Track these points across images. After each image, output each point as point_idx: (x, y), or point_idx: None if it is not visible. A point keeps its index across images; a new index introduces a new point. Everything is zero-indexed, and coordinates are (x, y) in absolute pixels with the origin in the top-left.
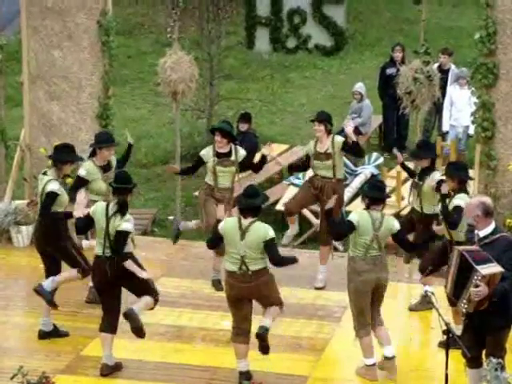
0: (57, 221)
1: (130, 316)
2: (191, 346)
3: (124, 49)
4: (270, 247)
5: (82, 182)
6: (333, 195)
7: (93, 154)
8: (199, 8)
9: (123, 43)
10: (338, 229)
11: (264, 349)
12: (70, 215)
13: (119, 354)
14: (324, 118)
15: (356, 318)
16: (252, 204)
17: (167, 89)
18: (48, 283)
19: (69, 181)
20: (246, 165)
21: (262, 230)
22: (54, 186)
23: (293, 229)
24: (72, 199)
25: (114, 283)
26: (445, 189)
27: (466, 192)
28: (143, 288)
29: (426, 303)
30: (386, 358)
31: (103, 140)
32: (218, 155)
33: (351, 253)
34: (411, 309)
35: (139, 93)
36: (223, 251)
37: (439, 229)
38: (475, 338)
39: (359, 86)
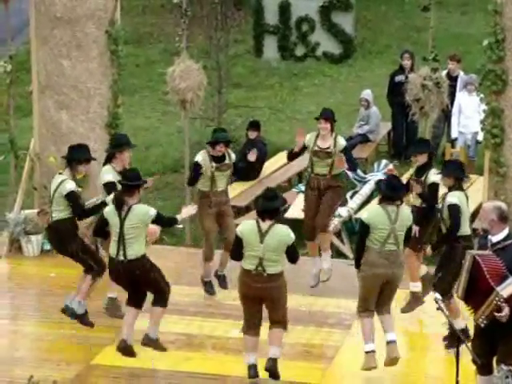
0: (64, 225)
1: (149, 344)
2: (201, 354)
3: (133, 58)
4: (292, 250)
5: (113, 186)
6: (328, 188)
7: (108, 160)
8: (207, 17)
9: (132, 52)
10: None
11: (275, 377)
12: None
13: (129, 361)
14: (330, 116)
15: (360, 300)
16: (271, 206)
17: (176, 97)
18: (79, 307)
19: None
20: (237, 168)
21: (285, 233)
22: (71, 186)
23: (316, 264)
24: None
25: (132, 282)
26: (417, 189)
27: (462, 189)
28: (155, 287)
29: (417, 303)
30: (388, 342)
31: (125, 142)
32: (214, 160)
33: (368, 243)
34: (403, 311)
35: (148, 102)
36: (210, 257)
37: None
38: (486, 345)
39: (366, 93)
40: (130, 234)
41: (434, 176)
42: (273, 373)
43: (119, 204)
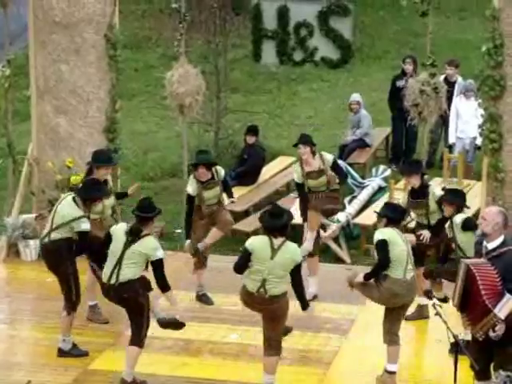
0: (62, 243)
1: None
2: (199, 360)
3: (131, 62)
4: (298, 270)
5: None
6: (326, 198)
7: (89, 173)
8: (206, 21)
9: (130, 57)
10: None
11: None
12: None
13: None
14: (307, 140)
15: (387, 333)
16: (277, 224)
17: (174, 102)
18: (65, 344)
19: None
20: (227, 186)
21: (295, 252)
22: (87, 226)
23: (313, 284)
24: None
25: (121, 305)
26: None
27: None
28: (137, 321)
29: (422, 313)
30: (388, 372)
31: (101, 160)
32: (202, 183)
33: (390, 273)
34: (407, 318)
35: (146, 106)
36: (202, 264)
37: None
38: (484, 350)
39: (356, 96)
40: (129, 260)
41: (438, 191)
42: None
43: (135, 233)
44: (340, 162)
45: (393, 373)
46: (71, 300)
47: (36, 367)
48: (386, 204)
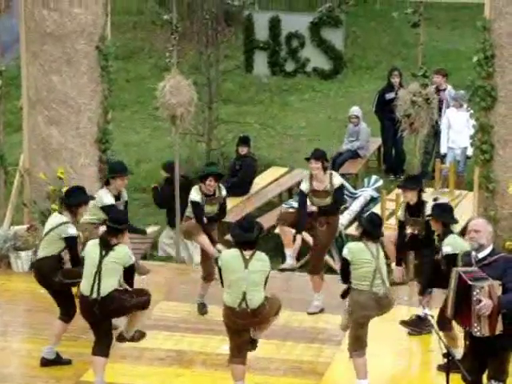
0: (49, 262)
1: None
2: (191, 371)
3: (123, 73)
4: (266, 280)
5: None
6: (325, 224)
7: (106, 184)
8: (198, 33)
9: (122, 68)
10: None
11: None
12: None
13: (120, 379)
14: (320, 155)
15: (352, 342)
16: (248, 238)
17: (166, 113)
18: (49, 354)
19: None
20: (223, 207)
21: (266, 261)
22: (74, 231)
23: (317, 298)
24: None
25: (104, 320)
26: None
27: (452, 233)
28: (106, 332)
29: (423, 326)
30: None
31: (117, 170)
32: (206, 195)
33: (354, 286)
34: (410, 333)
35: (138, 117)
36: (211, 277)
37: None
38: (476, 361)
39: (356, 110)
40: (107, 270)
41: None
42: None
43: (104, 244)
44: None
45: None
46: (68, 314)
47: (27, 379)
48: (370, 215)
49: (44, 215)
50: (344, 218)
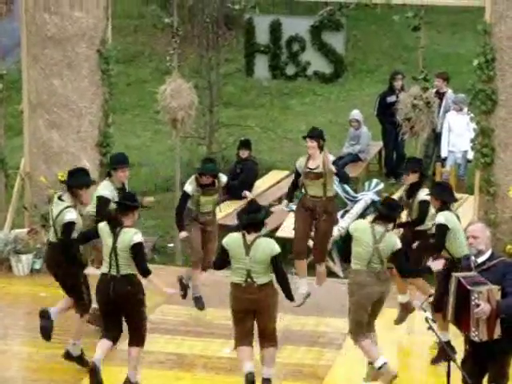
0: (69, 247)
1: None
2: (192, 374)
3: (124, 77)
4: (276, 262)
5: (106, 202)
6: (324, 214)
7: (108, 176)
8: (199, 36)
9: (123, 71)
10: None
11: None
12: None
13: (120, 382)
14: (317, 135)
15: (353, 328)
16: (254, 219)
17: (167, 116)
18: (74, 348)
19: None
20: (228, 188)
21: (268, 246)
22: (72, 216)
23: (303, 284)
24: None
25: (116, 306)
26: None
27: (449, 210)
28: (137, 323)
29: (407, 313)
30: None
31: (118, 161)
32: (201, 186)
33: (353, 265)
34: (396, 323)
35: (139, 120)
36: (198, 262)
37: (437, 263)
38: (477, 365)
39: (356, 114)
40: (122, 258)
41: (423, 194)
42: None
43: (114, 224)
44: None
45: (382, 367)
46: (83, 303)
47: (28, 382)
48: (386, 199)
49: (45, 219)
50: (344, 222)
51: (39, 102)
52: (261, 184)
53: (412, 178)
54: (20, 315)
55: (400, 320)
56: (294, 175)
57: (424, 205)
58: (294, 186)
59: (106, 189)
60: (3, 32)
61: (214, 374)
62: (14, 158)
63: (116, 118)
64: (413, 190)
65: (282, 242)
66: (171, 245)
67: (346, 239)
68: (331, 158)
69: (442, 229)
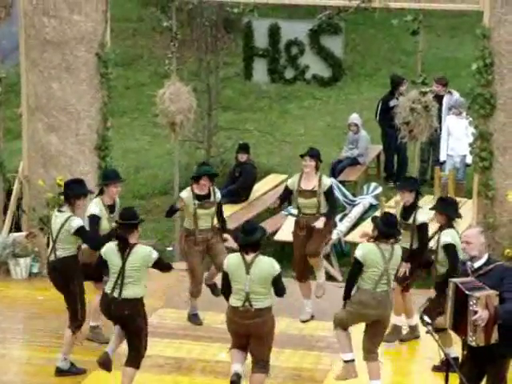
0: (70, 261)
1: None
2: (191, 378)
3: (123, 80)
4: (277, 282)
5: (96, 220)
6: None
7: (100, 193)
8: (197, 40)
9: (122, 75)
10: (348, 281)
11: None
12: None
13: None
14: (315, 154)
15: (337, 320)
16: (251, 240)
17: (166, 120)
18: (64, 364)
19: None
20: (221, 209)
21: (269, 265)
22: (78, 222)
23: (308, 306)
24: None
25: (119, 323)
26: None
27: (453, 227)
28: (137, 345)
29: (397, 336)
30: None
31: (111, 177)
32: (198, 198)
33: (361, 282)
34: (402, 340)
35: (138, 124)
36: (197, 295)
37: None
38: (475, 369)
39: (355, 118)
40: (130, 277)
41: (422, 216)
42: None
43: (122, 244)
44: (332, 179)
45: (349, 362)
46: (77, 319)
47: None
48: (384, 215)
49: (43, 222)
50: (343, 225)
51: (38, 105)
52: (259, 187)
53: (408, 197)
54: (18, 319)
55: (389, 339)
56: (283, 192)
57: (423, 227)
58: (282, 202)
59: (96, 207)
60: (2, 35)
61: (212, 377)
62: (13, 161)
63: (115, 121)
64: (410, 211)
65: (280, 245)
66: (170, 248)
67: (354, 264)
68: (328, 182)
69: (452, 248)
